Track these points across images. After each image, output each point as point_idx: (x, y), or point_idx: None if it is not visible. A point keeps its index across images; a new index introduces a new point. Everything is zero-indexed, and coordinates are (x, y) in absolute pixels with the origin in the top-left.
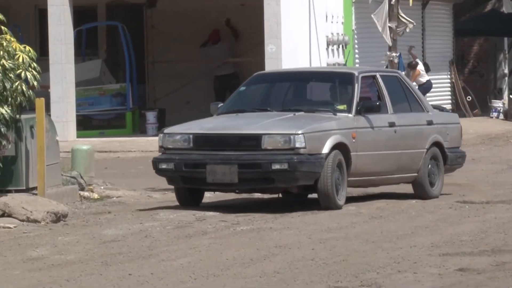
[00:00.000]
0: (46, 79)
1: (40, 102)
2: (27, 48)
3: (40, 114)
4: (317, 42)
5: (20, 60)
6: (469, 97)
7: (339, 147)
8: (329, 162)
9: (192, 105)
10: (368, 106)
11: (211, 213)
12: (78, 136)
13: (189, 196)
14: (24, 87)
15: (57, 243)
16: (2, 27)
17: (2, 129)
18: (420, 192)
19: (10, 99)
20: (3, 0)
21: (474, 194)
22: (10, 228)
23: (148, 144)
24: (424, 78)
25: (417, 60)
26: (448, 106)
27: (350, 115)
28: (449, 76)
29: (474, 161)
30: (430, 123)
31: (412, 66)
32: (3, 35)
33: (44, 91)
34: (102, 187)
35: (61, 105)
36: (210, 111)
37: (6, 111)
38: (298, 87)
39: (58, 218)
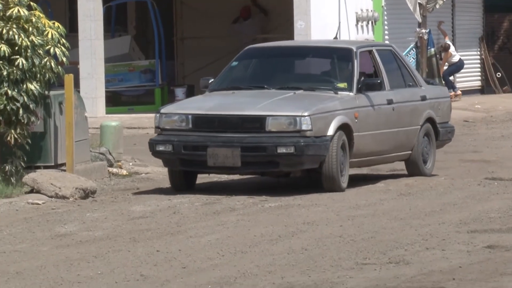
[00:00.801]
0: (76, 55)
1: (69, 78)
2: (56, 24)
3: (69, 90)
4: (346, 18)
5: (49, 36)
6: (498, 73)
7: (343, 128)
8: (333, 144)
9: None
10: (369, 84)
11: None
12: (107, 112)
13: (184, 179)
14: (53, 63)
15: (85, 219)
16: (32, 3)
17: (31, 105)
18: (414, 170)
19: (39, 75)
20: None
21: (503, 170)
22: (38, 204)
23: None
24: (456, 58)
25: (448, 41)
26: (478, 83)
27: (351, 93)
28: (478, 53)
29: (503, 137)
30: (423, 98)
31: (445, 48)
32: (32, 11)
33: (73, 67)
34: (130, 164)
35: (90, 81)
36: (200, 86)
37: (35, 87)
38: (294, 63)
39: (87, 194)
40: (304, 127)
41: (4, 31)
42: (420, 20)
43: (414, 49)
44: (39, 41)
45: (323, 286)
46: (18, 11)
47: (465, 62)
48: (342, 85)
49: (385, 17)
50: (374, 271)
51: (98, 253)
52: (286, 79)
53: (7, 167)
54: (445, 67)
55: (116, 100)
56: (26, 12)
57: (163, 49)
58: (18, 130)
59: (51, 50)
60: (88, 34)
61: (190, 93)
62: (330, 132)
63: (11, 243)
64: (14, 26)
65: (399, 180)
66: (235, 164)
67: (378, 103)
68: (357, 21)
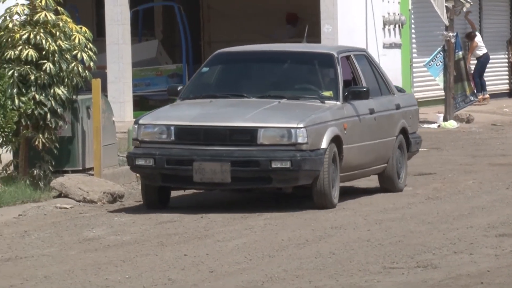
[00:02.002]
0: (103, 60)
1: (96, 83)
2: (83, 29)
3: (97, 94)
4: (373, 22)
5: (76, 41)
6: None
7: (335, 140)
8: (326, 158)
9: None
10: (356, 92)
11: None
12: (134, 117)
13: (158, 195)
14: (80, 68)
15: (113, 223)
16: (59, 8)
17: (58, 110)
18: (389, 185)
19: (66, 80)
20: None
21: None
22: (66, 208)
23: None
24: (482, 50)
25: (476, 32)
26: (506, 86)
27: (338, 102)
28: (506, 56)
29: None
30: (398, 107)
31: (471, 37)
32: (59, 16)
33: (101, 71)
34: None
35: (118, 85)
36: (167, 94)
37: (62, 91)
38: (271, 69)
39: (114, 198)
40: (300, 140)
41: (32, 35)
42: (447, 23)
43: (441, 52)
44: (67, 45)
45: None
46: (45, 15)
47: (492, 65)
48: (327, 93)
49: (412, 21)
50: (401, 275)
51: (126, 257)
52: (265, 87)
53: (35, 172)
54: (472, 66)
55: (143, 105)
56: (54, 17)
57: (190, 53)
58: (46, 135)
59: (78, 54)
60: (115, 39)
61: None
62: (324, 145)
63: (39, 247)
64: (42, 30)
65: (427, 184)
66: (224, 180)
67: (362, 113)
68: (384, 24)
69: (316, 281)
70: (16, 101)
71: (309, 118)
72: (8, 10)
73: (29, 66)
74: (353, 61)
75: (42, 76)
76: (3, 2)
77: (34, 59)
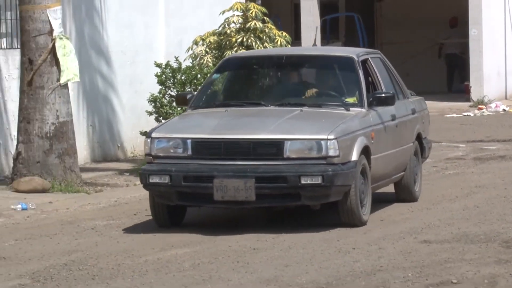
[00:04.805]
0: None
1: None
2: (284, 34)
3: None
4: (511, 26)
5: (279, 43)
6: None
7: (364, 151)
8: (357, 171)
9: (412, 77)
10: (382, 98)
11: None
12: None
13: (168, 214)
14: None
15: None
16: (265, 18)
17: None
18: (405, 194)
19: None
20: None
21: None
22: None
23: None
24: None
25: None
26: None
27: (363, 110)
28: None
29: None
30: (413, 111)
31: None
32: (266, 24)
33: None
34: None
35: None
36: (175, 103)
37: None
38: (287, 74)
39: None
40: (331, 153)
41: (244, 39)
42: None
43: None
44: (271, 47)
45: (490, 235)
46: (255, 24)
47: None
48: (351, 100)
49: None
50: None
51: None
52: (283, 94)
53: None
54: None
55: None
56: (261, 25)
57: None
58: None
59: None
60: (309, 42)
61: None
62: (354, 157)
63: None
64: (252, 35)
65: None
66: (248, 198)
67: (386, 120)
68: None
69: (463, 228)
70: None
71: (339, 128)
72: (226, 20)
73: None
74: (371, 64)
75: None
76: (222, 14)
77: None
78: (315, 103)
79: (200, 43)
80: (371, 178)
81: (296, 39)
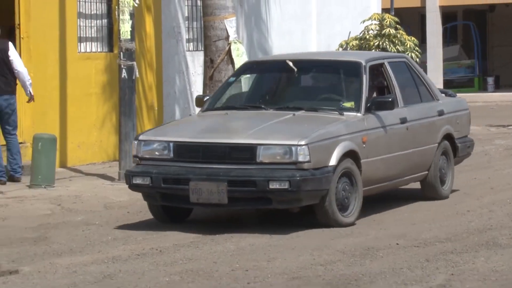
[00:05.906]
0: (425, 57)
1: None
2: (412, 38)
3: None
4: None
5: (408, 45)
6: None
7: (349, 155)
8: (335, 175)
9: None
10: (380, 103)
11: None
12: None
13: (165, 212)
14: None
15: None
16: (398, 26)
17: None
18: (431, 192)
19: None
20: (398, 10)
21: None
22: None
23: (487, 98)
24: None
25: None
26: None
27: (359, 114)
28: None
29: None
30: (441, 113)
31: None
32: (398, 30)
33: (423, 64)
34: None
35: (433, 73)
36: (195, 104)
37: None
38: (296, 79)
39: None
40: (300, 158)
41: (380, 43)
42: None
43: None
44: (401, 49)
45: None
46: (389, 30)
47: None
48: (348, 104)
49: None
50: None
51: None
52: (286, 98)
53: None
54: None
55: (448, 84)
56: (394, 31)
57: (480, 53)
58: None
59: (409, 54)
60: (433, 44)
61: (497, 80)
62: (333, 162)
63: None
64: (386, 40)
65: None
66: (221, 201)
67: (390, 123)
68: None
69: None
70: None
71: (314, 134)
72: (366, 27)
73: None
74: (387, 69)
75: None
76: (363, 23)
77: None
78: (312, 107)
79: (345, 46)
80: (367, 181)
81: (422, 42)
